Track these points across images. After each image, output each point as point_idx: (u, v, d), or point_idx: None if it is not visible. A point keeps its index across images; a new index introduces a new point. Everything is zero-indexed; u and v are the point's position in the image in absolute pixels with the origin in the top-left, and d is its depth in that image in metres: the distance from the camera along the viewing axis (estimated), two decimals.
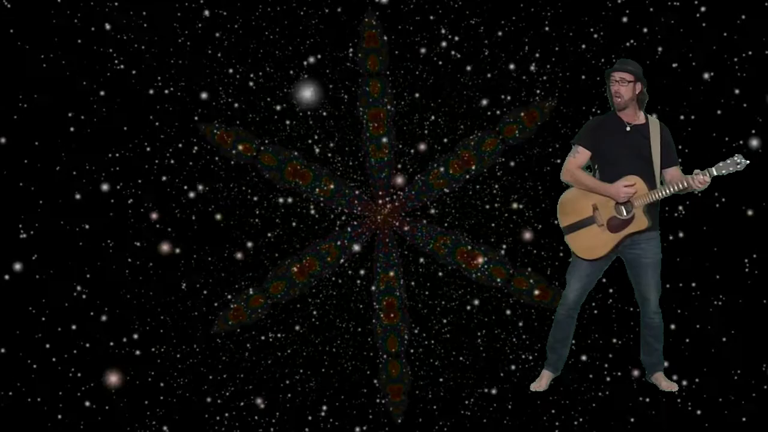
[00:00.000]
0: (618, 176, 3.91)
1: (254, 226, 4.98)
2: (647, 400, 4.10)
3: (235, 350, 4.85)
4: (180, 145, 4.88)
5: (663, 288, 4.01)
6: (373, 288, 5.02)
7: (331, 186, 5.01)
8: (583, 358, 4.72)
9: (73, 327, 4.67)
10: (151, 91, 4.81)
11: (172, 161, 4.87)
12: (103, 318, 4.74)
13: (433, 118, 5.01)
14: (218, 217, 4.94)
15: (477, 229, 5.03)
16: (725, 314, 4.77)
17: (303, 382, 4.65)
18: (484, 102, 4.94)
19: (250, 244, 4.97)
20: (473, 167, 4.98)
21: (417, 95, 4.97)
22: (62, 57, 4.67)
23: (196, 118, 4.87)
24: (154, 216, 4.84)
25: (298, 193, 5.02)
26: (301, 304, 5.00)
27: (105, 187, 4.77)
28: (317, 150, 5.00)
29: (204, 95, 4.87)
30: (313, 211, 5.04)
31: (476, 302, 5.01)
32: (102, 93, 4.73)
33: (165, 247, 4.81)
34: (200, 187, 4.92)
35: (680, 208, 4.86)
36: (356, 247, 5.00)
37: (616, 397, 4.18)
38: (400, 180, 5.03)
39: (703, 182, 3.77)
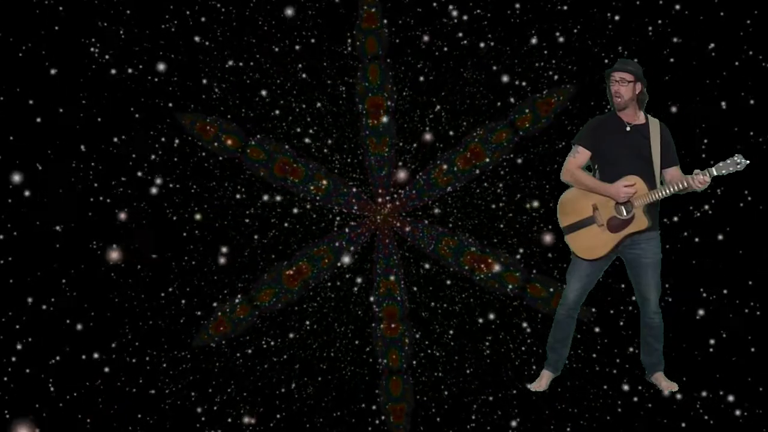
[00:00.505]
0: (618, 176, 3.93)
1: (242, 227, 4.78)
2: (662, 410, 4.06)
3: (228, 358, 4.66)
4: (163, 139, 4.70)
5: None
6: (372, 298, 4.83)
7: (325, 182, 4.81)
8: (597, 367, 4.62)
9: (54, 333, 4.56)
10: (133, 81, 4.64)
11: (152, 156, 4.68)
12: (80, 327, 4.59)
13: (437, 108, 4.80)
14: (198, 217, 4.75)
15: (482, 229, 4.85)
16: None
17: (298, 391, 4.46)
18: (495, 89, 4.73)
19: (236, 248, 4.76)
20: (484, 161, 4.78)
21: (420, 79, 4.74)
22: (34, 48, 4.55)
23: (170, 104, 4.68)
24: (122, 216, 4.68)
25: (291, 191, 4.81)
26: (295, 312, 4.81)
27: (79, 185, 4.62)
28: (309, 141, 4.76)
29: (193, 86, 4.69)
30: (297, 211, 4.81)
31: (484, 308, 4.82)
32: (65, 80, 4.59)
33: (114, 255, 4.66)
34: (179, 185, 4.71)
35: (706, 208, 4.80)
36: (346, 259, 4.78)
37: (628, 408, 4.13)
38: (402, 175, 4.84)
39: (703, 182, 3.80)
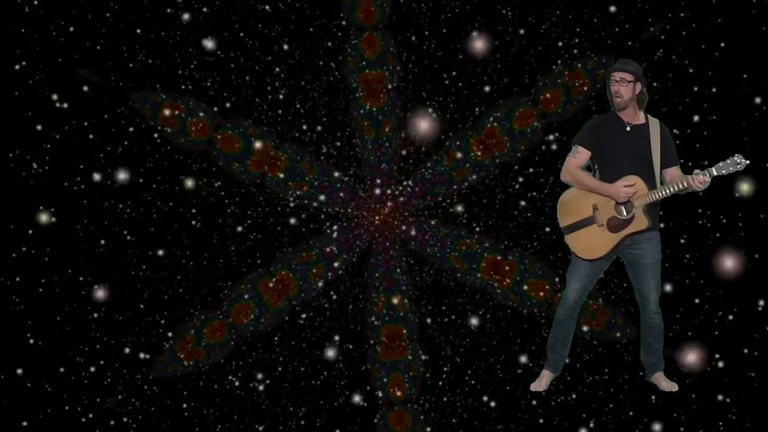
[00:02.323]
0: (618, 176, 3.98)
1: (210, 231, 4.26)
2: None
3: (193, 393, 4.10)
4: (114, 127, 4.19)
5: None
6: (372, 320, 4.31)
7: (314, 177, 4.29)
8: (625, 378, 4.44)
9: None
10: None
11: (97, 138, 4.22)
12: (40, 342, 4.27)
13: (445, 86, 4.26)
14: (44, 218, 4.14)
15: (499, 230, 4.42)
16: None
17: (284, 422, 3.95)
18: (518, 65, 4.21)
19: (204, 254, 4.26)
20: (504, 150, 4.30)
21: (427, 46, 4.17)
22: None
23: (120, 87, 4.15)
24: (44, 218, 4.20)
25: (269, 188, 4.27)
26: (275, 334, 4.30)
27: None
28: (292, 124, 4.19)
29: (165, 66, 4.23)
30: (279, 210, 4.28)
31: (498, 323, 4.43)
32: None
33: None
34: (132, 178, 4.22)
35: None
36: (320, 284, 4.09)
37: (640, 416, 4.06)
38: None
39: (703, 182, 3.86)
